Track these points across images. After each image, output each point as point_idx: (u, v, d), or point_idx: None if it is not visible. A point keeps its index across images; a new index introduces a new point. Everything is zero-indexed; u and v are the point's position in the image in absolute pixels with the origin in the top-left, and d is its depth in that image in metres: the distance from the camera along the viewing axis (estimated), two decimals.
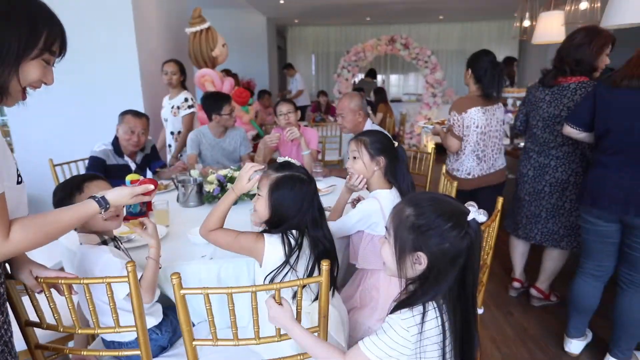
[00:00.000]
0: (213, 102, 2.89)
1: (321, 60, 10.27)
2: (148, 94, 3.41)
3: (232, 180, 2.08)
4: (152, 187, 1.16)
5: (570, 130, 1.94)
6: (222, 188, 2.06)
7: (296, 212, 1.26)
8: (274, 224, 1.29)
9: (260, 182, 1.31)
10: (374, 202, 1.58)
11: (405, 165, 1.70)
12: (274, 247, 1.26)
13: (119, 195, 1.08)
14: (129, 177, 1.78)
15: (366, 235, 1.63)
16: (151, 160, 2.71)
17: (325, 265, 1.05)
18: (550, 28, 3.97)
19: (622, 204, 1.71)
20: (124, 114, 2.44)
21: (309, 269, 1.28)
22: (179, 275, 0.99)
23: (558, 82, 2.16)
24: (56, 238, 0.98)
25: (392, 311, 0.93)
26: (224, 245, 1.32)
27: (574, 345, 2.05)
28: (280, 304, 1.04)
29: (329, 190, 2.34)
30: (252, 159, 3.01)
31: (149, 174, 2.75)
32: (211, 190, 2.05)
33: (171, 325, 1.49)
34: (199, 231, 1.35)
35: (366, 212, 1.57)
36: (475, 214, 0.91)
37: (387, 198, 1.58)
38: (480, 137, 2.43)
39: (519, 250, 2.55)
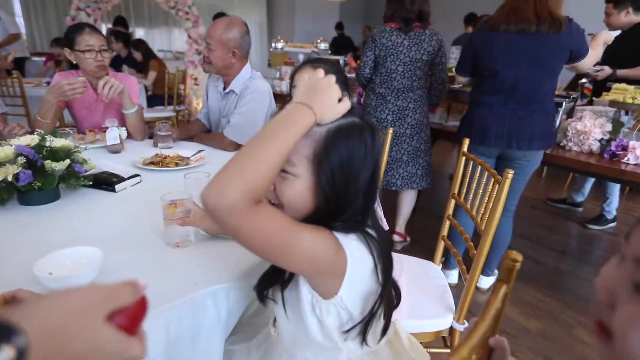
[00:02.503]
0: None
1: (32, 1, 7.53)
2: None
3: (52, 154, 1.09)
4: None
5: (462, 80, 2.06)
6: (37, 169, 1.05)
7: (368, 190, 0.69)
8: (328, 214, 0.67)
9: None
10: None
11: None
12: (358, 261, 0.66)
13: None
14: None
15: None
16: None
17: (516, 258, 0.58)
18: None
19: (506, 139, 1.88)
20: None
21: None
22: None
23: (415, 28, 2.22)
24: None
25: None
26: (271, 242, 0.58)
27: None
28: None
29: (200, 159, 1.62)
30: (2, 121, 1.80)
31: None
32: (9, 178, 1.02)
33: None
34: (212, 200, 0.54)
35: None
36: None
37: None
38: None
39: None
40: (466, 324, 1.21)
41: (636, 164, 1.85)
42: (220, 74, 1.87)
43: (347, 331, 0.69)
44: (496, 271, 2.25)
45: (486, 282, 2.20)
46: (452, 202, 1.45)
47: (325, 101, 0.64)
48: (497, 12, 1.84)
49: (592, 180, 3.17)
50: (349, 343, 0.72)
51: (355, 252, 0.66)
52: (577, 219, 3.17)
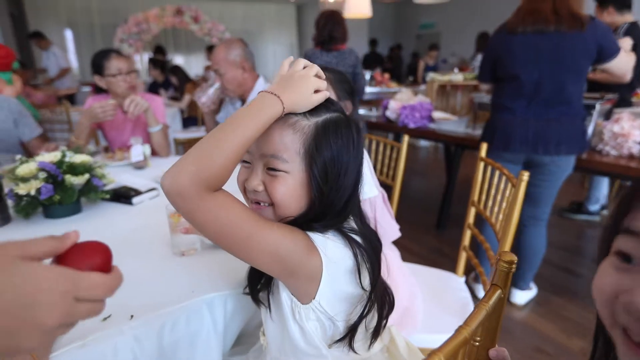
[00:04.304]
0: None
1: (83, 35, 8.15)
2: None
3: (72, 169, 1.16)
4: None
5: (484, 87, 2.06)
6: (57, 183, 1.12)
7: (353, 186, 0.68)
8: (319, 213, 0.66)
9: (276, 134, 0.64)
10: None
11: None
12: (335, 263, 0.64)
13: None
14: None
15: None
16: None
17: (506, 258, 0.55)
18: (359, 3, 4.19)
19: (532, 144, 1.79)
20: None
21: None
22: None
23: (336, 48, 2.67)
24: None
25: None
26: (229, 232, 0.57)
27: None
28: None
29: None
30: (43, 142, 1.93)
31: None
32: (32, 193, 1.09)
33: None
34: (167, 183, 0.56)
35: None
36: None
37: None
38: None
39: None
40: None
41: None
42: (237, 94, 1.91)
43: (338, 340, 0.66)
44: (532, 285, 2.11)
45: (521, 297, 2.06)
46: (472, 210, 1.39)
47: (298, 90, 0.62)
48: (514, 15, 1.78)
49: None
50: (334, 350, 0.69)
51: (332, 253, 0.63)
52: None
